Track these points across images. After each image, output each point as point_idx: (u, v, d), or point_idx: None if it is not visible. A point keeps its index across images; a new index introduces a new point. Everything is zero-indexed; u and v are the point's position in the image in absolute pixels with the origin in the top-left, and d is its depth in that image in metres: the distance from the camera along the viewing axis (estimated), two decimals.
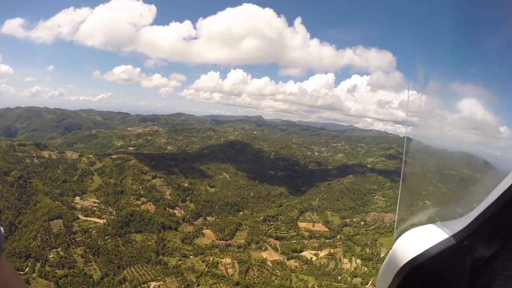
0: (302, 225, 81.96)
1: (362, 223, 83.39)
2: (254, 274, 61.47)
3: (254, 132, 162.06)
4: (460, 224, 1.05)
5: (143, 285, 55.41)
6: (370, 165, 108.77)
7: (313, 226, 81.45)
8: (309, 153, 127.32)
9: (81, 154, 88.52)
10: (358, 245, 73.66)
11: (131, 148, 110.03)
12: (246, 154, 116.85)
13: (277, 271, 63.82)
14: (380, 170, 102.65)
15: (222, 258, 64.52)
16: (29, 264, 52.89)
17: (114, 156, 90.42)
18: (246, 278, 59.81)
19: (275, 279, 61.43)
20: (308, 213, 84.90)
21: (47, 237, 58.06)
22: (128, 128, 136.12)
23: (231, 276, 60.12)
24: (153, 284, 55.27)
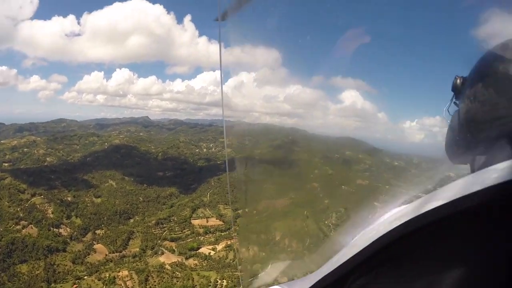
0: (196, 222, 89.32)
1: (255, 212, 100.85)
2: (155, 281, 66.80)
3: (141, 134, 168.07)
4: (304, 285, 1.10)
5: None
6: (257, 157, 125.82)
7: (207, 221, 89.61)
8: (197, 150, 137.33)
9: None
10: (253, 233, 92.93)
11: (6, 164, 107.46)
12: (133, 157, 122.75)
13: (178, 273, 70.07)
14: (267, 160, 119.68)
15: (119, 272, 68.58)
16: None
17: None
18: (147, 287, 65.13)
19: (177, 281, 67.12)
20: (201, 209, 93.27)
21: None
22: (1, 141, 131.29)
23: None
24: None
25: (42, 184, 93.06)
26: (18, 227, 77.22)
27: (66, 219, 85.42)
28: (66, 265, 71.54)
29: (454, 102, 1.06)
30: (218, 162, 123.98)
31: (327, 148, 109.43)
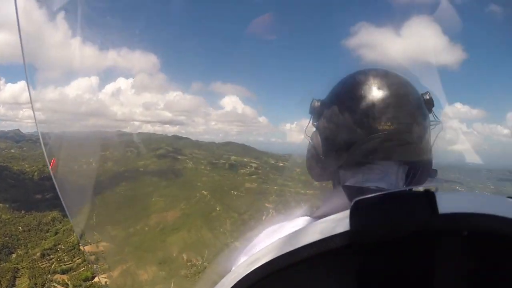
0: (86, 248, 78.38)
1: (147, 228, 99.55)
2: None
3: (12, 151, 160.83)
4: None
5: None
6: (142, 168, 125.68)
7: (98, 247, 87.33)
8: (76, 167, 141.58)
9: None
10: (149, 252, 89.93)
11: None
12: (5, 179, 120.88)
13: None
14: (153, 171, 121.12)
15: None
16: None
17: None
18: None
19: None
20: (88, 234, 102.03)
21: None
22: None
23: None
24: None
25: None
26: None
27: None
28: None
29: (313, 124, 1.27)
30: (101, 179, 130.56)
31: (212, 154, 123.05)
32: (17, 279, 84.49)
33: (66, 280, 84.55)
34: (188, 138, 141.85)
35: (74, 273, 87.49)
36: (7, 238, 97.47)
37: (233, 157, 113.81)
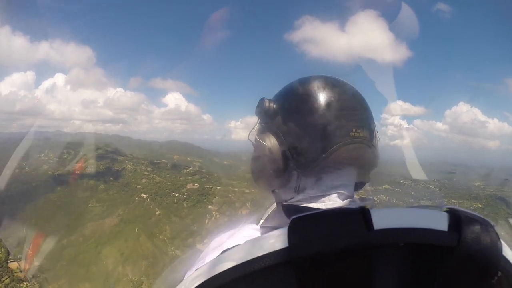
0: (14, 265, 76.61)
1: (81, 238, 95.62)
2: None
3: None
4: None
5: None
6: (78, 172, 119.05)
7: (31, 262, 77.18)
8: (5, 172, 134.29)
9: None
10: (83, 266, 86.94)
11: None
12: None
13: None
14: (90, 174, 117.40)
15: None
16: None
17: None
18: None
19: None
20: (17, 248, 77.24)
21: None
22: None
23: None
24: None
25: None
26: None
27: None
28: None
29: (263, 125, 1.22)
30: (34, 185, 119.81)
31: (154, 154, 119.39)
32: None
33: None
34: (129, 137, 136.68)
35: None
36: None
37: (175, 157, 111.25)
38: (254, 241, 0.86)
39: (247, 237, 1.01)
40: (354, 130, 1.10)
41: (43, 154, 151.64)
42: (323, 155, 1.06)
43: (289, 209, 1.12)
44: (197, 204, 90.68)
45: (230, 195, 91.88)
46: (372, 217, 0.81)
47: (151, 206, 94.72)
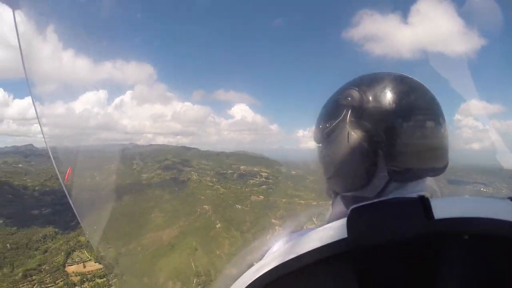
0: (71, 269, 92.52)
1: (139, 248, 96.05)
2: None
3: (20, 165, 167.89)
4: None
5: None
6: (145, 181, 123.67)
7: (84, 267, 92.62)
8: (85, 180, 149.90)
9: None
10: (135, 277, 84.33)
11: None
12: (3, 195, 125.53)
13: None
14: (156, 184, 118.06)
15: None
16: None
17: None
18: None
19: None
20: (77, 252, 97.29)
21: None
22: None
23: None
24: None
25: None
26: None
27: None
28: None
29: (352, 120, 1.06)
30: (102, 193, 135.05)
31: (221, 164, 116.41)
32: None
33: None
34: (196, 148, 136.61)
35: None
36: None
37: (242, 167, 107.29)
38: (312, 233, 0.85)
39: (310, 240, 0.93)
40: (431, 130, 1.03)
41: (113, 165, 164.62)
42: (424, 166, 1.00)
43: (347, 199, 1.13)
44: (260, 217, 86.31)
45: (296, 208, 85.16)
46: (432, 206, 0.74)
47: (213, 218, 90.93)
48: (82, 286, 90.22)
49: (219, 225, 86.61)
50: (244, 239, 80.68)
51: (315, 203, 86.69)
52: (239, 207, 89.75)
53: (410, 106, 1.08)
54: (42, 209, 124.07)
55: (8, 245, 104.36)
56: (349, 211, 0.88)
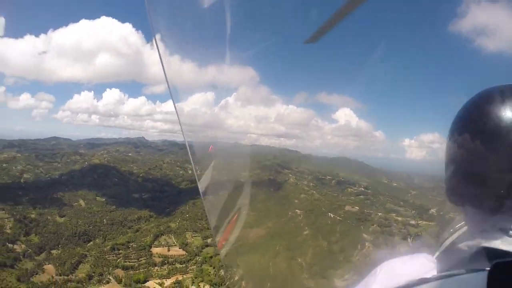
0: (156, 250, 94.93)
1: (224, 241, 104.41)
2: None
3: (129, 154, 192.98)
4: None
5: None
6: (242, 179, 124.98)
7: (169, 250, 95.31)
8: (181, 172, 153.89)
9: None
10: (214, 268, 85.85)
11: None
12: (110, 178, 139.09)
13: None
14: (252, 182, 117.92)
15: None
16: None
17: None
18: None
19: None
20: (165, 236, 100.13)
21: None
22: None
23: None
24: None
25: (9, 200, 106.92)
26: None
27: (23, 236, 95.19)
28: (10, 282, 78.70)
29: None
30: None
31: (320, 169, 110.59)
32: (81, 264, 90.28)
33: (120, 277, 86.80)
34: (297, 151, 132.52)
35: (134, 272, 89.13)
36: (91, 227, 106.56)
37: (341, 174, 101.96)
38: (444, 282, 0.75)
39: (422, 266, 0.90)
40: None
41: (215, 161, 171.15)
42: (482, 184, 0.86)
43: (488, 251, 0.89)
44: (351, 229, 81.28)
45: (391, 225, 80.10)
46: None
47: (302, 224, 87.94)
48: (162, 267, 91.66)
49: (307, 231, 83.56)
50: (329, 250, 76.64)
51: (413, 222, 78.21)
52: (332, 215, 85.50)
53: None
54: (143, 194, 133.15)
55: (105, 220, 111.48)
56: (491, 264, 0.79)
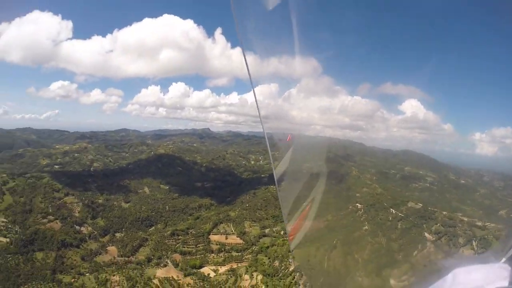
0: (214, 238, 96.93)
1: (282, 232, 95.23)
2: None
3: (194, 145, 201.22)
4: None
5: None
6: (305, 171, 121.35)
7: (226, 238, 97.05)
8: (244, 162, 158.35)
9: None
10: (268, 258, 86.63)
11: (57, 166, 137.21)
12: (174, 167, 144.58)
13: None
14: (321, 174, 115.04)
15: (113, 276, 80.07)
16: None
17: (28, 175, 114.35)
18: None
19: None
20: (224, 225, 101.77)
21: None
22: (56, 146, 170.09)
23: None
24: None
25: (79, 186, 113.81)
26: (44, 220, 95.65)
27: (90, 219, 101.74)
28: (75, 260, 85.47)
29: None
30: (263, 176, 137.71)
31: (384, 163, 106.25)
32: (142, 247, 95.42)
33: (178, 261, 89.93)
34: (362, 143, 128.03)
35: (191, 257, 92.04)
36: (153, 213, 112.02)
37: (407, 168, 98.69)
38: None
39: (494, 276, 0.96)
40: None
41: (277, 152, 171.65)
42: None
43: None
44: (413, 228, 78.38)
45: (456, 226, 75.95)
46: None
47: (362, 219, 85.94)
48: (218, 254, 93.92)
49: (366, 227, 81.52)
50: (388, 247, 74.15)
51: (480, 223, 73.38)
52: (393, 211, 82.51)
53: None
54: (205, 183, 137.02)
55: (167, 207, 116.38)
56: None
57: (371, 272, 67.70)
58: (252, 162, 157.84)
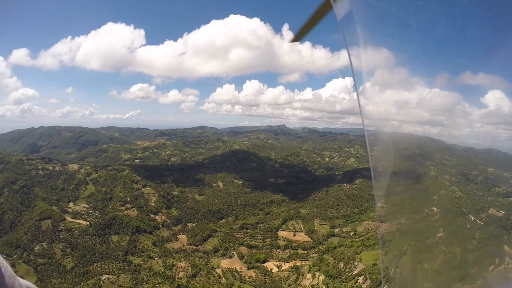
0: (282, 234, 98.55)
1: (352, 233, 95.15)
2: (200, 280, 79.61)
3: (269, 141, 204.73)
4: None
5: (97, 277, 77.60)
6: (380, 169, 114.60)
7: (294, 235, 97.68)
8: (318, 159, 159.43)
9: (80, 166, 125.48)
10: (334, 259, 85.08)
11: (137, 161, 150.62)
12: (249, 162, 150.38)
13: (223, 280, 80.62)
14: (394, 173, 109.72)
15: (180, 262, 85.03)
16: (18, 252, 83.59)
17: (110, 167, 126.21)
18: (191, 282, 78.82)
19: (216, 286, 78.56)
20: (293, 221, 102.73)
21: (36, 233, 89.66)
22: (137, 142, 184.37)
23: (180, 278, 79.39)
24: (104, 276, 78.71)
25: (156, 179, 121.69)
26: (122, 208, 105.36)
27: (165, 209, 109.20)
28: (147, 245, 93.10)
29: None
30: (336, 173, 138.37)
31: (465, 163, 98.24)
32: (211, 238, 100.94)
33: (243, 254, 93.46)
34: (442, 140, 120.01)
35: (257, 251, 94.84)
36: (225, 206, 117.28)
37: (490, 169, 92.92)
38: None
39: None
40: None
41: (353, 149, 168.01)
42: None
43: None
44: (492, 238, 72.50)
45: None
46: None
47: (437, 224, 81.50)
48: (284, 251, 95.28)
49: (441, 233, 76.71)
50: (462, 259, 68.53)
51: None
52: (472, 218, 77.31)
53: None
54: (278, 179, 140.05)
55: (239, 201, 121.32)
56: None
57: (440, 285, 62.34)
58: (327, 159, 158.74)
